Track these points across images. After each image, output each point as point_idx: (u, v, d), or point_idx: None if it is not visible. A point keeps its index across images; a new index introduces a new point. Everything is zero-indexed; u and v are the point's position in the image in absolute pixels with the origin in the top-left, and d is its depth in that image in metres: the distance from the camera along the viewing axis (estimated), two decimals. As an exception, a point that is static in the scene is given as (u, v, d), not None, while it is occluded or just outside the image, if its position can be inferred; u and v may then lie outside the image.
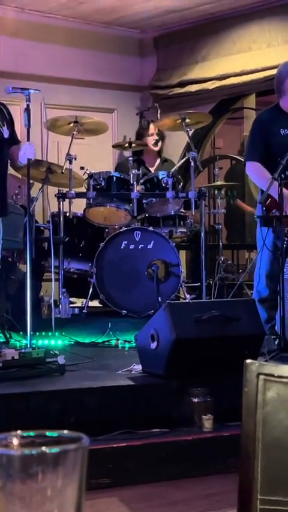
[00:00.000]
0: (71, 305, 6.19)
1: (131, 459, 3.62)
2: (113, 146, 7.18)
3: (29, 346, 4.47)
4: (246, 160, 5.34)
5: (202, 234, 6.31)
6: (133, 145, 6.44)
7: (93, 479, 3.37)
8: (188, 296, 6.21)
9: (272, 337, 4.86)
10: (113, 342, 5.54)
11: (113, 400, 3.92)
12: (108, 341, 5.58)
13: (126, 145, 6.47)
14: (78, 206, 6.27)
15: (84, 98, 8.06)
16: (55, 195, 6.19)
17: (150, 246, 5.93)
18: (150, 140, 7.16)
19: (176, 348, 4.03)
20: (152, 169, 7.13)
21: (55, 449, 0.70)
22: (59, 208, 6.16)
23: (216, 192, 7.42)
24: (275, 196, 4.85)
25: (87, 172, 6.16)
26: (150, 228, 6.04)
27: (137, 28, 8.45)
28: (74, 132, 6.27)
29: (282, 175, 4.80)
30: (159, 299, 5.48)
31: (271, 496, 1.27)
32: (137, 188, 6.09)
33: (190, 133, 6.35)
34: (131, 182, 6.09)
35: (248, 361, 1.33)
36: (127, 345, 5.37)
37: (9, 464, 0.69)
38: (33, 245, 5.14)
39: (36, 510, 0.69)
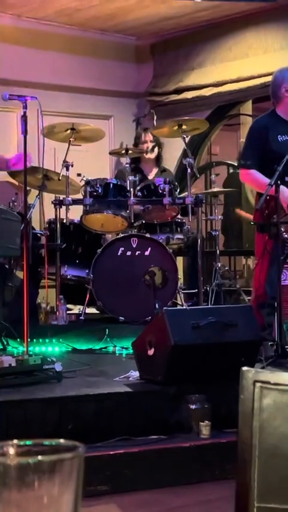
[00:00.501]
0: (68, 312, 6.19)
1: (129, 466, 3.61)
2: (110, 153, 7.18)
3: (26, 353, 4.46)
4: (241, 167, 5.35)
5: (199, 240, 6.32)
6: (130, 152, 6.45)
7: (91, 486, 3.37)
8: (185, 303, 6.22)
9: (269, 343, 4.86)
10: (110, 349, 5.54)
11: (110, 407, 3.92)
12: (105, 348, 5.57)
13: (123, 152, 6.47)
14: (75, 213, 6.28)
15: (80, 104, 8.07)
16: (52, 202, 6.20)
17: (147, 253, 5.94)
18: (145, 148, 7.17)
19: (173, 355, 4.03)
20: (150, 177, 7.13)
21: (51, 458, 0.70)
22: (56, 215, 6.16)
23: (212, 198, 7.43)
24: (283, 203, 4.86)
25: (84, 179, 6.16)
26: (147, 235, 6.04)
27: (133, 35, 8.47)
28: (71, 139, 6.28)
29: (279, 181, 4.80)
30: (157, 306, 5.48)
31: (268, 503, 1.27)
32: (134, 195, 6.09)
33: (187, 139, 6.36)
34: (128, 189, 6.10)
35: (245, 368, 1.33)
36: (124, 352, 5.37)
37: (5, 473, 0.69)
38: (30, 252, 5.15)
39: (33, 518, 0.70)
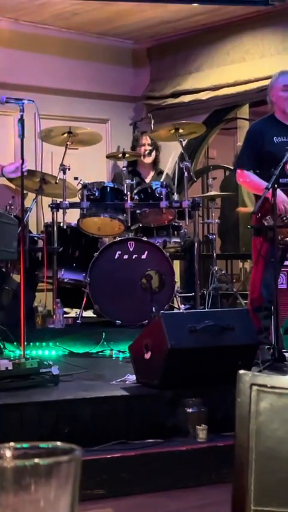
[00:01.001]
0: (65, 315, 6.19)
1: (126, 469, 3.61)
2: (107, 156, 7.19)
3: (22, 356, 4.46)
4: (237, 167, 5.41)
5: (196, 244, 6.32)
6: (127, 155, 6.45)
7: (87, 489, 3.37)
8: (182, 306, 6.22)
9: (266, 347, 4.86)
10: (107, 352, 5.54)
11: (107, 411, 3.92)
12: (102, 351, 5.57)
13: (120, 155, 6.48)
14: (72, 216, 6.28)
15: (77, 108, 8.07)
16: (49, 206, 6.20)
17: (144, 256, 5.94)
18: (142, 151, 7.18)
19: (170, 358, 4.03)
20: (147, 181, 7.13)
21: (48, 461, 0.70)
22: (53, 219, 6.16)
23: (209, 202, 7.44)
24: (270, 202, 4.88)
25: (81, 182, 6.16)
26: (144, 238, 6.04)
27: (130, 39, 8.48)
28: (68, 143, 6.29)
29: (275, 185, 4.81)
30: (153, 309, 5.48)
31: (264, 506, 1.27)
32: (131, 198, 6.10)
33: (184, 143, 6.36)
34: (125, 192, 6.10)
35: (241, 371, 1.33)
36: (121, 355, 5.36)
37: (2, 476, 0.69)
38: (27, 255, 5.14)
39: (30, 522, 0.69)
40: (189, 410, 3.88)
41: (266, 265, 5.10)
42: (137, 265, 5.90)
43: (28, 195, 6.37)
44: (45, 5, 7.34)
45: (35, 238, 6.40)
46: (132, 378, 4.34)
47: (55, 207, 6.14)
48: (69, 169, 6.12)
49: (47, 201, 6.38)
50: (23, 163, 4.83)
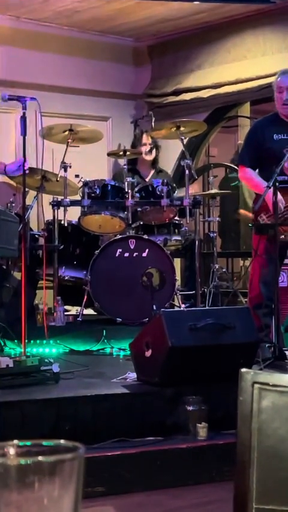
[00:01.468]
0: (66, 313, 6.19)
1: (126, 467, 3.61)
2: (108, 154, 7.19)
3: (23, 354, 4.46)
4: (238, 163, 5.52)
5: (197, 242, 6.32)
6: (128, 153, 6.45)
7: (88, 487, 3.37)
8: (182, 304, 6.22)
9: (267, 345, 4.86)
10: (108, 350, 5.54)
11: (107, 408, 3.92)
12: (102, 349, 5.57)
13: (121, 153, 6.48)
14: (73, 214, 6.28)
15: (78, 106, 8.07)
16: (50, 203, 6.20)
17: (144, 254, 5.93)
18: (143, 150, 7.18)
19: (170, 356, 4.03)
20: (147, 179, 7.13)
21: (52, 459, 0.70)
22: (54, 216, 6.16)
23: (210, 200, 7.44)
24: (268, 202, 4.91)
25: (82, 180, 6.16)
26: (145, 236, 6.04)
27: (131, 36, 8.47)
28: (69, 140, 6.28)
29: (277, 183, 4.82)
30: (154, 307, 5.48)
31: (266, 505, 1.27)
32: (132, 196, 6.09)
33: (185, 141, 6.36)
34: (126, 190, 6.10)
35: (244, 370, 1.33)
36: (122, 353, 5.36)
37: (6, 473, 0.69)
38: (27, 253, 5.14)
39: (33, 520, 0.69)
40: (190, 408, 3.88)
41: (264, 263, 5.12)
42: (137, 263, 5.90)
43: (29, 193, 6.36)
44: (47, 2, 7.34)
45: (36, 235, 6.39)
46: (132, 375, 4.34)
47: (56, 204, 6.14)
48: (70, 166, 6.12)
49: (48, 198, 6.39)
50: (25, 161, 4.83)
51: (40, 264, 6.10)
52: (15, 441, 0.73)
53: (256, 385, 1.31)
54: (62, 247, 6.18)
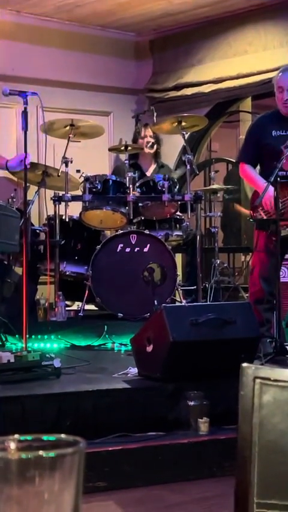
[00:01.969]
0: (67, 308, 6.19)
1: (127, 462, 3.62)
2: (109, 149, 7.18)
3: (24, 349, 4.46)
4: (238, 160, 5.51)
5: (198, 237, 6.32)
6: (129, 148, 6.45)
7: (89, 482, 3.37)
8: (184, 299, 6.22)
9: (268, 340, 4.86)
10: (109, 345, 5.54)
11: (108, 404, 3.92)
12: (104, 344, 5.57)
13: (122, 148, 6.47)
14: (74, 209, 6.28)
15: (80, 101, 8.06)
16: (51, 198, 6.19)
17: (146, 249, 5.93)
18: (144, 143, 7.17)
19: (172, 351, 4.03)
20: (148, 174, 7.12)
21: (52, 453, 0.70)
22: (55, 211, 6.16)
23: (212, 195, 7.43)
24: (263, 198, 4.92)
25: (83, 175, 6.16)
26: (146, 231, 6.04)
27: (132, 31, 8.46)
28: (70, 135, 6.28)
29: (272, 178, 4.82)
30: (155, 302, 5.48)
31: (267, 499, 1.27)
32: (133, 191, 6.09)
33: (186, 136, 6.36)
34: (127, 185, 6.09)
35: (245, 364, 1.33)
36: (123, 348, 5.36)
37: (6, 468, 0.69)
38: (29, 248, 5.14)
39: (33, 514, 0.69)
40: (191, 403, 3.88)
41: (263, 258, 5.12)
42: (139, 258, 5.90)
43: (30, 188, 6.36)
44: (47, -4, 7.34)
45: (37, 231, 6.39)
46: (134, 370, 4.34)
47: (57, 199, 6.14)
48: (71, 162, 6.12)
49: (49, 193, 6.38)
50: (26, 156, 4.83)
51: (41, 259, 6.11)
52: (16, 435, 0.73)
53: (257, 380, 1.31)
54: (63, 242, 6.18)
